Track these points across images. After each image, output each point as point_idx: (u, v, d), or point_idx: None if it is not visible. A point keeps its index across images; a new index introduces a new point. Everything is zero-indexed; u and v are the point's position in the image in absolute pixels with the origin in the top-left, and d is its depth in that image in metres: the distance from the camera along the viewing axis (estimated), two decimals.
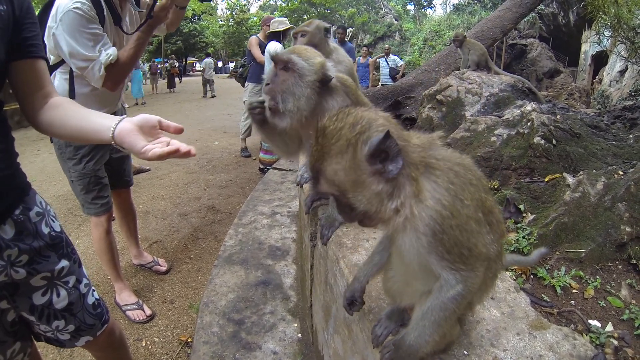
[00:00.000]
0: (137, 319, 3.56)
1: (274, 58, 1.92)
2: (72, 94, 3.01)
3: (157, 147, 1.47)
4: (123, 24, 3.11)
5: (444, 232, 1.01)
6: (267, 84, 1.90)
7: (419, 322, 1.15)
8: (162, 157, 1.46)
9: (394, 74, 12.90)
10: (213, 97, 23.60)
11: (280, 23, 7.28)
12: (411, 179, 1.01)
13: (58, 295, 1.81)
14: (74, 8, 2.65)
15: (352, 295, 1.46)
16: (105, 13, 2.90)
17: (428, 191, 1.01)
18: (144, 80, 30.49)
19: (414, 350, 1.16)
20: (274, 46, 6.74)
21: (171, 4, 2.87)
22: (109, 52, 2.79)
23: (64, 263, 1.82)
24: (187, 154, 1.50)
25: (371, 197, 0.99)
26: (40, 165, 8.23)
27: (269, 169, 7.00)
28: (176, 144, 1.48)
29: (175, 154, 1.47)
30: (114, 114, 3.32)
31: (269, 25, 7.58)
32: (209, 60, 25.47)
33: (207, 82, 24.32)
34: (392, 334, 1.42)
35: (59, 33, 2.69)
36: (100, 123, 1.60)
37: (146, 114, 1.59)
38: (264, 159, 7.46)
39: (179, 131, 1.59)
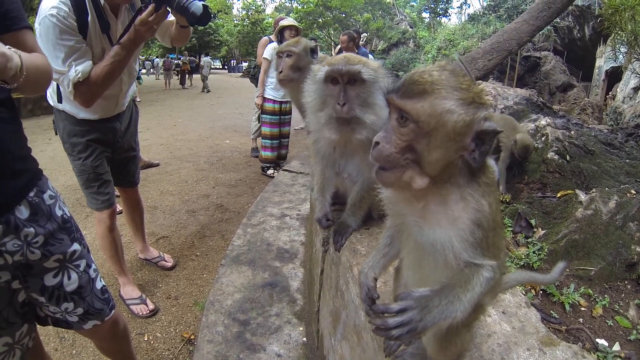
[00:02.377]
0: (140, 313, 3.58)
1: (338, 73, 1.78)
2: (59, 97, 2.95)
3: None
4: (113, 32, 2.84)
5: (489, 230, 1.05)
6: (344, 104, 1.77)
7: (447, 293, 1.04)
8: None
9: None
10: (207, 92, 25.44)
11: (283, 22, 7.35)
12: (479, 179, 1.04)
13: (69, 277, 1.86)
14: (49, 15, 2.46)
15: (368, 293, 1.37)
16: (89, 19, 2.66)
17: (488, 195, 1.05)
18: (157, 76, 30.82)
19: (449, 312, 1.01)
20: (272, 47, 6.93)
21: (153, 21, 2.54)
22: (78, 70, 2.57)
23: (76, 246, 1.87)
24: None
25: (441, 158, 0.98)
26: (51, 155, 8.27)
27: (270, 167, 7.59)
28: None
29: None
30: (119, 115, 3.30)
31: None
32: (207, 59, 27.71)
33: (204, 79, 26.14)
34: (405, 344, 1.42)
35: (38, 37, 2.48)
36: None
37: None
38: (265, 156, 7.64)
39: None
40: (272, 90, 7.10)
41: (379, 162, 1.04)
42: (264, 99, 7.21)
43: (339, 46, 9.34)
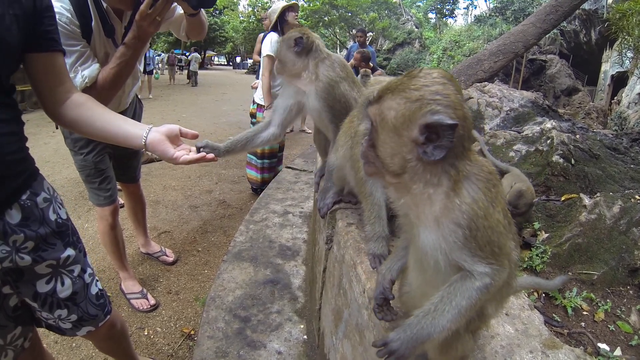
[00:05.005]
0: (141, 307, 3.59)
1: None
2: None
3: (185, 153, 1.82)
4: (117, 35, 2.75)
5: (478, 229, 1.05)
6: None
7: (437, 305, 1.13)
8: (191, 162, 1.81)
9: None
10: (194, 85, 26.77)
11: (273, 12, 5.98)
12: (450, 177, 1.05)
13: (62, 284, 1.80)
14: None
15: (383, 292, 1.41)
16: (93, 24, 2.55)
17: (467, 191, 1.06)
18: (162, 71, 30.97)
19: (424, 334, 1.13)
20: (269, 39, 5.73)
21: (154, 13, 2.32)
22: (85, 75, 2.45)
23: (70, 252, 1.81)
24: (212, 160, 1.93)
25: (394, 153, 1.07)
26: (55, 147, 8.27)
27: (262, 189, 5.95)
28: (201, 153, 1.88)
29: (201, 160, 1.85)
30: (122, 113, 3.21)
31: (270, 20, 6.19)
32: (195, 54, 28.43)
33: (192, 74, 27.35)
34: None
35: None
36: (130, 131, 1.82)
37: (169, 125, 1.86)
38: (251, 176, 6.48)
39: (195, 137, 1.94)
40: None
41: (361, 158, 1.18)
42: (263, 108, 5.94)
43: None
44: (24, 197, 1.60)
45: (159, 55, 36.26)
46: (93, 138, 1.92)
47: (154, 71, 20.50)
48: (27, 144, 1.65)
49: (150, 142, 1.77)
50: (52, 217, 1.74)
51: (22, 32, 1.46)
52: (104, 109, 1.87)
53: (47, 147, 8.32)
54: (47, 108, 1.79)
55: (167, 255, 4.41)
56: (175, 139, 1.84)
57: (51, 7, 1.62)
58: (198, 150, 2.02)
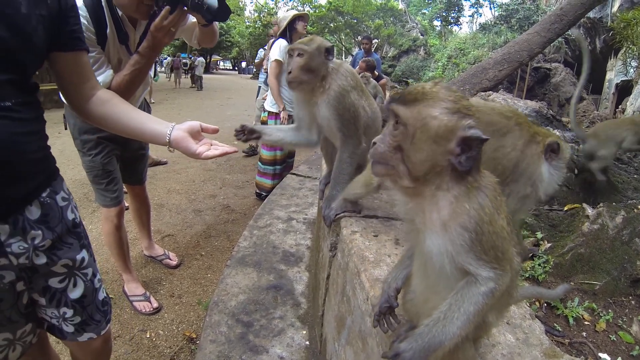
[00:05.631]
0: (143, 310, 3.61)
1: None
2: None
3: (205, 148, 1.88)
4: (131, 42, 2.81)
5: (484, 233, 1.07)
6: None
7: (446, 312, 1.13)
8: (213, 157, 1.89)
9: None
10: (200, 89, 27.14)
11: (284, 19, 5.99)
12: (468, 183, 1.09)
13: (75, 285, 1.81)
14: None
15: (387, 299, 1.42)
16: (108, 31, 2.62)
17: (476, 197, 1.08)
18: (167, 75, 31.17)
19: (436, 342, 1.13)
20: (277, 45, 5.77)
21: (169, 24, 2.40)
22: (99, 80, 2.34)
23: (84, 254, 1.83)
24: (233, 152, 1.97)
25: (427, 159, 1.07)
26: (60, 148, 8.27)
27: (266, 195, 5.79)
28: (222, 147, 1.92)
29: (223, 154, 1.91)
30: None
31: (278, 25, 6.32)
32: (200, 59, 28.76)
33: (198, 78, 27.86)
34: None
35: None
36: (155, 129, 1.89)
37: (191, 121, 1.93)
38: (262, 183, 6.43)
39: (216, 132, 1.96)
40: (287, 103, 5.77)
41: (374, 159, 1.16)
42: (275, 115, 5.96)
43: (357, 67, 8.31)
44: (44, 194, 1.63)
45: (165, 58, 36.45)
46: (119, 134, 1.97)
47: (153, 74, 20.66)
48: None
49: (174, 139, 1.85)
50: (70, 216, 1.77)
51: (47, 32, 1.49)
52: (129, 106, 1.96)
53: (52, 148, 8.04)
54: (73, 104, 1.87)
55: (170, 259, 4.43)
56: (196, 134, 1.92)
57: (76, 6, 1.66)
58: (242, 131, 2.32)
